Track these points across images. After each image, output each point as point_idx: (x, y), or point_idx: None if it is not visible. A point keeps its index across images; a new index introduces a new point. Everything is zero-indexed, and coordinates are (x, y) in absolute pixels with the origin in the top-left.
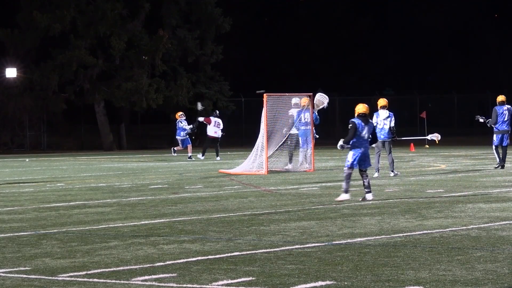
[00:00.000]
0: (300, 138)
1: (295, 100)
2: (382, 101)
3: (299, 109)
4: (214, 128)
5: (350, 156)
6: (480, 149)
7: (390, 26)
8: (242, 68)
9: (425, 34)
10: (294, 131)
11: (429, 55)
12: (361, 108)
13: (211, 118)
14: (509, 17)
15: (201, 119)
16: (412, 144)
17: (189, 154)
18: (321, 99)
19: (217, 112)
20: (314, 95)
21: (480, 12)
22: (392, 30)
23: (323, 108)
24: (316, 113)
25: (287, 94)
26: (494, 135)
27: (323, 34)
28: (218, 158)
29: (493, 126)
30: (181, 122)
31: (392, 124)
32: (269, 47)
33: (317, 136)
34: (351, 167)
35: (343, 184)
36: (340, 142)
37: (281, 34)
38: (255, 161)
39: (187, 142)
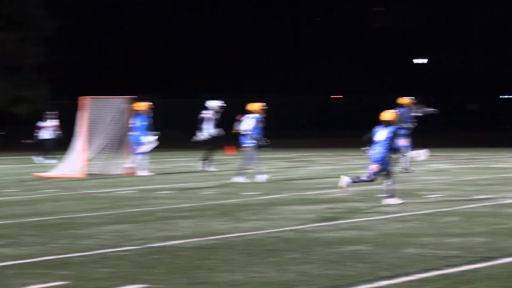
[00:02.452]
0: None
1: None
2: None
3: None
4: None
5: None
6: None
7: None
8: (67, 71)
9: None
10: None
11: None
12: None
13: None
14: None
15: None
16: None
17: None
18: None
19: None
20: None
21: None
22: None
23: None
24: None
25: (107, 97)
26: None
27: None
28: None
29: None
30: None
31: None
32: (99, 50)
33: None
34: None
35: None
36: None
37: (113, 37)
38: (72, 164)
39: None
